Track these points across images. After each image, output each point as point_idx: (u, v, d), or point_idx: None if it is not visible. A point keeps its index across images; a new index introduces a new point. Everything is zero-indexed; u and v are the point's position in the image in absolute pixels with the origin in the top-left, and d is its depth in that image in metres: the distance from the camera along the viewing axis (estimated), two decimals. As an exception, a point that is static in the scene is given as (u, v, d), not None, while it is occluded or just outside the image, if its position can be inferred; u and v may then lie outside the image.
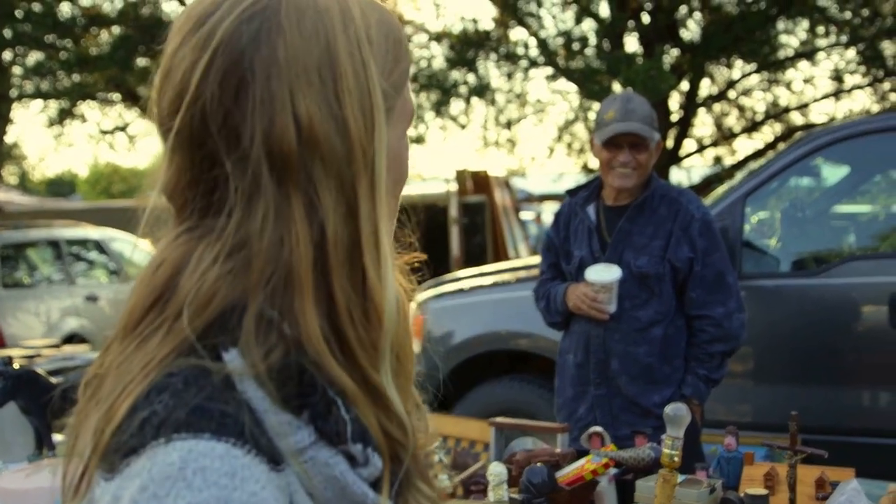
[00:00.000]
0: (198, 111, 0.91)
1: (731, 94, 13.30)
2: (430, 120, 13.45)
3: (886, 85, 12.35)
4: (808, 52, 12.17)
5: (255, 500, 0.80)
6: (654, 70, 9.50)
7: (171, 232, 0.96)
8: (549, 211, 20.83)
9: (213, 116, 0.90)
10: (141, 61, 13.23)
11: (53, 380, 3.21)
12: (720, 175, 12.83)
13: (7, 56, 14.33)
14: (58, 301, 10.89)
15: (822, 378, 4.82)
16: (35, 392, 3.02)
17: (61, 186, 42.08)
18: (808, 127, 12.37)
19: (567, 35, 11.76)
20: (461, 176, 15.33)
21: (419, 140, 13.95)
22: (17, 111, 17.36)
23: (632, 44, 11.91)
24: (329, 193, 0.91)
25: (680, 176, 14.74)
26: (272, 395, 0.87)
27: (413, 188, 14.20)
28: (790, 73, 12.96)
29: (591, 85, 10.56)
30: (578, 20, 11.90)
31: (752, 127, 13.63)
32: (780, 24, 11.76)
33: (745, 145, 19.16)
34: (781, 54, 12.24)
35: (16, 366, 3.14)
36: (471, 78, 12.56)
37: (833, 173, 6.08)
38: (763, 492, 2.52)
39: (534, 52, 12.21)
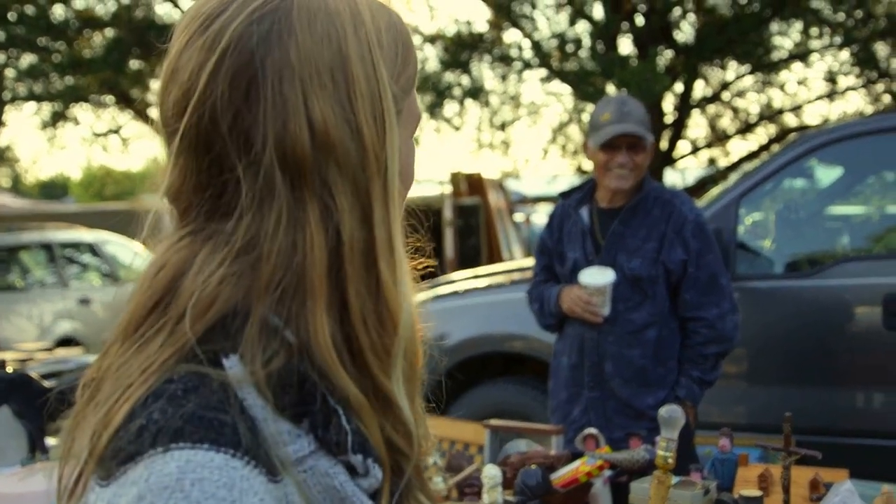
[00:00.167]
0: (206, 111, 0.89)
1: (725, 95, 13.29)
2: (424, 122, 13.44)
3: (880, 86, 12.35)
4: (801, 54, 12.16)
5: None
6: (648, 72, 9.50)
7: (174, 234, 0.95)
8: (542, 213, 20.84)
9: (223, 117, 0.89)
10: (134, 64, 13.20)
11: (46, 383, 3.21)
12: (714, 176, 12.81)
13: (0, 58, 14.30)
14: (51, 304, 10.88)
15: (815, 379, 4.82)
16: (28, 396, 3.01)
17: (54, 189, 42.06)
18: (802, 128, 12.38)
19: (561, 37, 11.75)
20: (455, 178, 15.33)
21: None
22: (10, 114, 17.31)
23: (626, 46, 11.90)
24: (345, 198, 0.90)
25: (674, 177, 14.74)
26: (272, 403, 0.86)
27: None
28: (784, 75, 12.95)
29: (585, 87, 10.54)
30: (572, 22, 11.89)
31: (746, 128, 13.61)
32: (774, 26, 11.76)
33: (739, 147, 19.16)
34: (775, 56, 12.23)
35: (9, 369, 3.14)
36: (465, 80, 12.54)
37: (827, 175, 6.08)
38: (757, 493, 2.52)
39: (528, 53, 12.19)
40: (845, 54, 12.17)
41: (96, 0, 13.36)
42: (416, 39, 12.62)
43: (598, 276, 3.63)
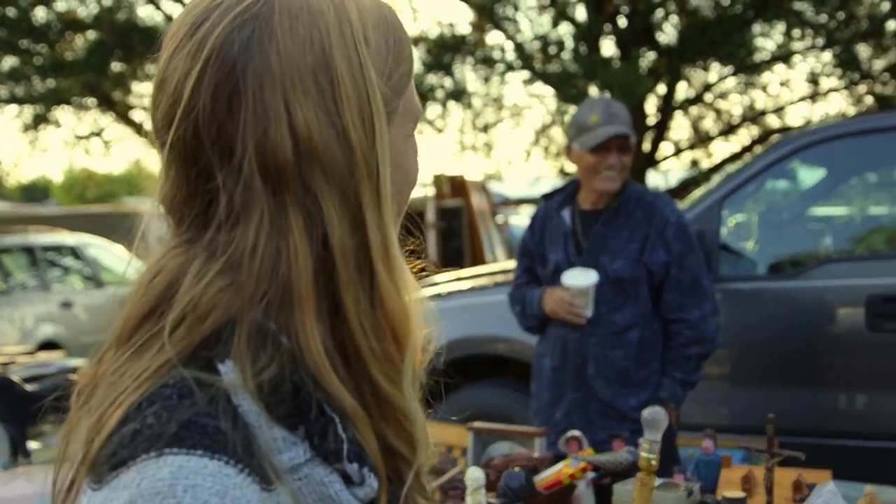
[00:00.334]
0: (190, 125, 0.88)
1: (708, 97, 13.32)
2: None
3: (862, 88, 12.39)
4: (784, 56, 12.19)
5: None
6: (630, 73, 9.51)
7: (170, 242, 0.94)
8: (523, 215, 20.84)
9: (205, 130, 0.88)
10: (116, 66, 13.15)
11: (28, 387, 3.19)
12: (697, 178, 12.84)
13: (-19, 61, 14.24)
14: (32, 307, 10.84)
15: (798, 380, 4.84)
16: (10, 399, 3.00)
17: (36, 192, 41.97)
18: (785, 130, 12.41)
19: (544, 39, 11.75)
20: (438, 180, 15.31)
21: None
22: (-8, 117, 17.26)
23: (608, 47, 11.91)
24: (331, 204, 0.89)
25: (657, 179, 14.74)
26: (267, 410, 0.85)
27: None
28: (766, 77, 12.97)
29: (567, 88, 10.55)
30: (555, 24, 11.89)
31: (729, 130, 13.65)
32: (757, 28, 11.78)
33: (721, 148, 19.19)
34: (758, 57, 12.26)
35: (-11, 373, 3.12)
36: (447, 82, 12.53)
37: (809, 176, 6.11)
38: (740, 495, 2.52)
39: (510, 55, 12.20)
40: (828, 56, 12.21)
41: (78, 2, 13.28)
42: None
43: (580, 278, 3.63)
